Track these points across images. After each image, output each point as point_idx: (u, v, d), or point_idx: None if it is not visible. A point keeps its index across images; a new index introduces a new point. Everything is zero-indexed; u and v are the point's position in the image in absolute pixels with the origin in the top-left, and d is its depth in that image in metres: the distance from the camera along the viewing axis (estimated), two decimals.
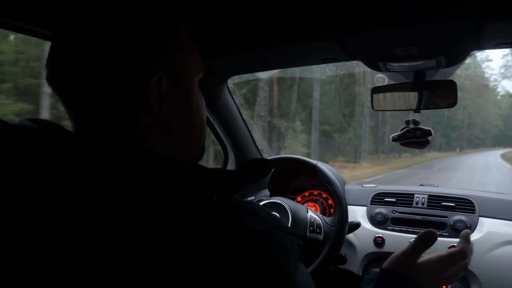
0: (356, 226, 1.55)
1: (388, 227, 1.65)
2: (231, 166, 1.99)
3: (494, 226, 1.50)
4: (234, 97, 1.81)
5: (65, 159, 0.49)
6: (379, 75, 1.42)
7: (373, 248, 1.62)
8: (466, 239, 0.93)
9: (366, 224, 1.69)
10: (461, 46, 1.06)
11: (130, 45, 0.56)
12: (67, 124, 0.60)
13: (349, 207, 1.56)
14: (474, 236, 1.48)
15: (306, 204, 1.81)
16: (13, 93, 8.72)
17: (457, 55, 1.11)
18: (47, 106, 8.60)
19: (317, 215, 1.49)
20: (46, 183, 0.47)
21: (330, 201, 1.77)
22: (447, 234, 1.52)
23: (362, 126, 27.31)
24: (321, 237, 1.44)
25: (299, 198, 1.85)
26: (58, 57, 0.58)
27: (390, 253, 1.55)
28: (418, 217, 1.62)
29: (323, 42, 1.13)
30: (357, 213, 1.75)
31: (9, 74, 8.81)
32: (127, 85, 0.57)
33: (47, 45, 0.61)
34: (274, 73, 1.84)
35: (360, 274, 1.64)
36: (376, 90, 1.36)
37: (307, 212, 1.48)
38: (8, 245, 0.45)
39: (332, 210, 1.73)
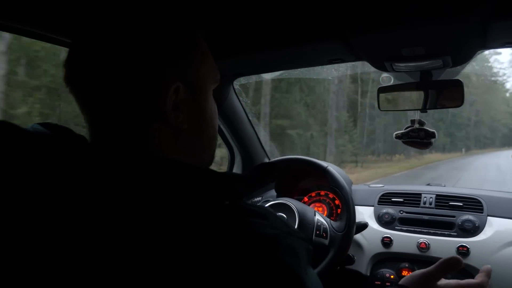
0: (363, 226, 1.54)
1: (396, 227, 1.64)
2: (237, 167, 1.99)
3: (503, 225, 1.49)
4: (240, 98, 1.81)
5: (78, 164, 0.49)
6: (385, 74, 1.41)
7: (380, 249, 1.62)
8: (487, 274, 0.91)
9: (373, 224, 1.69)
10: (468, 46, 1.06)
11: (149, 52, 0.57)
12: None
13: (356, 208, 1.55)
14: (482, 236, 1.47)
15: (312, 204, 1.80)
16: None
17: (464, 55, 1.11)
18: None
19: (324, 219, 1.48)
20: (59, 188, 0.47)
21: (337, 202, 1.76)
22: (456, 234, 1.52)
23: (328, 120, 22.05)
24: (326, 242, 1.42)
25: (305, 199, 1.84)
26: (76, 61, 0.59)
27: (398, 253, 1.57)
28: (426, 217, 1.61)
29: (329, 43, 1.13)
30: (364, 213, 1.75)
31: None
32: (145, 91, 0.57)
33: None
34: (278, 73, 1.84)
35: (368, 274, 1.63)
36: (382, 90, 1.36)
37: (315, 215, 1.47)
38: (25, 249, 0.45)
39: (339, 210, 1.73)
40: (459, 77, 1.30)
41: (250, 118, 1.90)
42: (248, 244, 0.48)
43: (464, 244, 1.45)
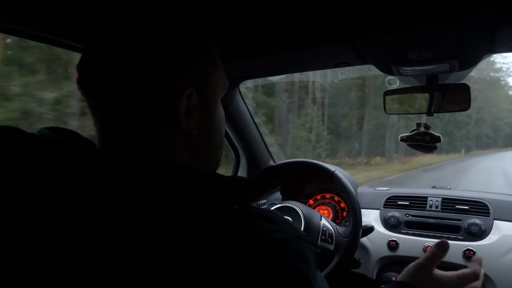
0: (369, 230, 1.54)
1: (402, 231, 1.64)
2: (242, 170, 2.00)
3: (509, 229, 1.49)
4: (246, 101, 1.82)
5: (88, 170, 0.50)
6: (391, 76, 1.41)
7: (387, 252, 1.62)
8: (479, 263, 0.93)
9: (379, 228, 1.69)
10: (475, 50, 1.05)
11: (163, 59, 0.57)
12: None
13: (362, 211, 1.55)
14: (488, 240, 1.47)
15: (318, 207, 1.80)
16: None
17: (471, 59, 1.11)
18: None
19: (330, 224, 1.47)
20: (70, 194, 0.48)
21: (342, 205, 1.76)
22: (462, 237, 1.51)
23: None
24: (332, 247, 1.41)
25: (311, 201, 1.84)
26: (87, 65, 0.59)
27: (404, 257, 1.57)
28: (432, 221, 1.61)
29: (337, 47, 1.14)
30: (370, 216, 1.75)
31: None
32: (158, 97, 0.58)
33: None
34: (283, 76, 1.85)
35: (374, 277, 1.63)
36: (388, 93, 1.36)
37: (321, 219, 1.46)
38: (34, 256, 0.46)
39: (344, 213, 1.72)
40: (465, 81, 1.30)
41: (256, 120, 1.91)
42: (257, 248, 0.48)
43: (470, 248, 1.45)
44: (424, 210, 1.67)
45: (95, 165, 0.50)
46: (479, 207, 1.60)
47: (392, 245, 1.60)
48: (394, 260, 1.61)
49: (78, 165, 0.50)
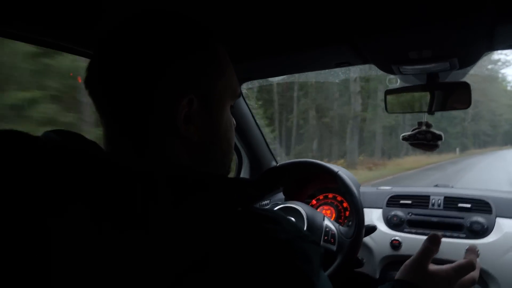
0: (372, 229, 1.54)
1: (405, 230, 1.64)
2: (245, 171, 2.00)
3: None
4: (248, 103, 1.82)
5: (92, 173, 0.50)
6: (391, 76, 1.42)
7: (390, 251, 1.62)
8: (474, 252, 0.94)
9: (382, 227, 1.69)
10: (475, 48, 1.06)
11: (166, 63, 0.58)
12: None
13: (365, 210, 1.55)
14: (491, 238, 1.47)
15: (320, 207, 1.81)
16: None
17: (471, 57, 1.11)
18: None
19: (332, 224, 1.47)
20: (74, 197, 0.48)
21: (345, 204, 1.77)
22: (464, 235, 1.52)
23: None
24: (334, 247, 1.40)
25: (314, 202, 1.84)
26: (97, 68, 0.60)
27: (407, 256, 1.55)
28: (435, 219, 1.61)
29: (337, 47, 1.14)
30: (373, 215, 1.75)
31: None
32: (160, 101, 0.58)
33: None
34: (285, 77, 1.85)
35: (377, 277, 1.63)
36: (389, 92, 1.36)
37: (323, 220, 1.46)
38: (41, 258, 0.46)
39: (347, 213, 1.73)
40: (466, 79, 1.30)
41: (257, 121, 1.91)
42: (261, 249, 0.49)
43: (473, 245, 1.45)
44: (427, 209, 1.67)
45: (99, 169, 0.51)
46: (481, 205, 1.60)
47: (395, 244, 1.61)
48: (397, 259, 1.61)
49: (83, 169, 0.50)
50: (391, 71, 1.24)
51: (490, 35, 0.97)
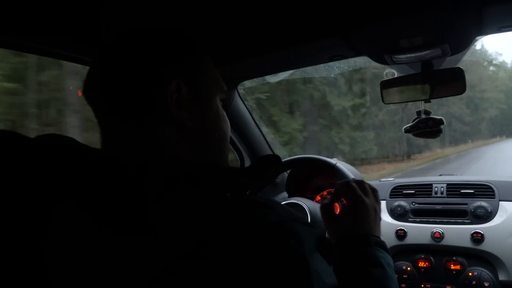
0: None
1: (409, 219, 1.64)
2: None
3: None
4: (246, 102, 1.83)
5: (84, 170, 0.51)
6: (388, 70, 1.42)
7: (395, 241, 1.62)
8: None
9: (386, 218, 1.69)
10: (465, 33, 1.07)
11: (160, 69, 0.63)
12: None
13: None
14: (496, 221, 1.47)
15: None
16: None
17: (462, 42, 1.12)
18: None
19: None
20: (66, 193, 0.49)
21: None
22: (469, 221, 1.51)
23: None
24: None
25: (318, 197, 1.85)
26: (95, 78, 0.66)
27: (412, 245, 1.57)
28: (438, 207, 1.61)
29: (329, 40, 1.15)
30: None
31: None
32: (146, 91, 0.62)
33: None
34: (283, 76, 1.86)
35: None
36: (385, 83, 1.36)
37: None
38: (39, 253, 0.47)
39: None
40: (460, 65, 1.31)
41: (257, 121, 1.92)
42: (254, 232, 0.50)
43: (478, 231, 1.45)
44: (430, 197, 1.67)
45: (90, 165, 0.52)
46: (484, 190, 1.60)
47: (400, 234, 1.61)
48: (403, 249, 1.61)
49: (74, 166, 0.52)
50: (384, 61, 1.25)
51: (479, 19, 0.97)
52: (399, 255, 1.62)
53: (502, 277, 1.39)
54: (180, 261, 0.46)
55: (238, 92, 1.75)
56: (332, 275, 0.58)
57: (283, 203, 1.52)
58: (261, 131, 1.95)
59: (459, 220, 1.53)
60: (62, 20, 0.94)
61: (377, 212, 0.89)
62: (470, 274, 1.42)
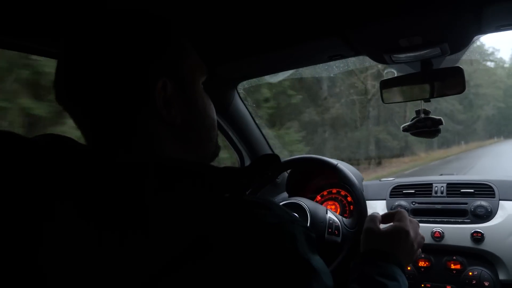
0: None
1: None
2: None
3: None
4: (245, 102, 1.83)
5: (80, 170, 0.52)
6: (388, 70, 1.43)
7: None
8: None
9: None
10: (464, 32, 1.07)
11: (133, 57, 0.60)
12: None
13: (369, 202, 1.55)
14: (496, 220, 1.47)
15: (325, 203, 1.81)
16: None
17: (461, 41, 1.12)
18: None
19: (336, 217, 1.47)
20: (63, 192, 0.49)
21: (349, 199, 1.77)
22: (469, 220, 1.51)
23: None
24: (339, 239, 1.42)
25: (318, 197, 1.85)
26: (65, 78, 0.61)
27: None
28: (438, 206, 1.61)
29: (328, 39, 1.15)
30: (377, 207, 1.75)
31: None
32: (134, 93, 0.60)
33: None
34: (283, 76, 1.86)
35: None
36: (384, 83, 1.37)
37: (326, 213, 1.47)
38: (35, 252, 0.47)
39: (352, 207, 1.73)
40: (459, 64, 1.31)
41: (257, 121, 1.92)
42: (252, 233, 0.50)
43: (478, 230, 1.45)
44: (430, 197, 1.67)
45: (87, 165, 0.52)
46: (484, 189, 1.60)
47: None
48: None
49: (71, 165, 0.52)
50: (383, 61, 1.25)
51: (478, 18, 0.97)
52: None
53: (502, 276, 1.38)
54: (177, 261, 0.46)
55: (238, 92, 1.75)
56: (330, 276, 0.58)
57: (283, 203, 1.53)
58: (261, 131, 1.95)
59: (459, 220, 1.53)
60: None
61: (413, 248, 0.99)
62: (470, 273, 1.42)
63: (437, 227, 1.53)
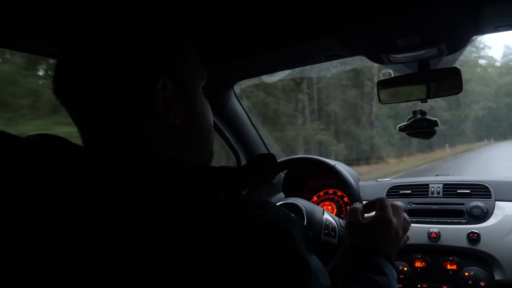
0: None
1: None
2: None
3: (511, 209, 1.49)
4: (242, 103, 1.83)
5: (79, 171, 0.51)
6: (385, 70, 1.43)
7: None
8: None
9: None
10: (461, 32, 1.07)
11: (134, 56, 0.59)
12: None
13: (365, 203, 1.55)
14: (492, 221, 1.47)
15: (322, 203, 1.80)
16: None
17: (458, 42, 1.12)
18: None
19: (333, 218, 1.46)
20: (64, 194, 0.49)
21: (345, 199, 1.77)
22: (465, 221, 1.51)
23: None
24: (335, 241, 1.40)
25: (315, 198, 1.84)
26: (65, 75, 0.61)
27: (409, 245, 1.56)
28: (435, 207, 1.61)
29: (325, 39, 1.15)
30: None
31: None
32: (134, 93, 0.59)
33: None
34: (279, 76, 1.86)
35: None
36: (381, 83, 1.37)
37: (323, 214, 1.46)
38: (34, 255, 0.47)
39: (348, 207, 1.73)
40: (456, 65, 1.31)
41: (253, 121, 1.92)
42: (248, 232, 0.50)
43: (474, 231, 1.45)
44: (426, 197, 1.67)
45: (86, 168, 0.52)
46: (480, 190, 1.60)
47: None
48: (400, 249, 1.61)
49: (70, 166, 0.51)
50: (381, 61, 1.25)
51: (476, 18, 0.97)
52: (396, 255, 1.61)
53: (498, 276, 1.39)
54: (175, 261, 0.46)
55: (234, 92, 1.75)
56: (327, 276, 0.58)
57: (279, 203, 1.52)
58: (257, 131, 1.95)
59: (456, 220, 1.53)
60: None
61: (398, 235, 0.96)
62: (467, 274, 1.42)
63: (434, 228, 1.53)
